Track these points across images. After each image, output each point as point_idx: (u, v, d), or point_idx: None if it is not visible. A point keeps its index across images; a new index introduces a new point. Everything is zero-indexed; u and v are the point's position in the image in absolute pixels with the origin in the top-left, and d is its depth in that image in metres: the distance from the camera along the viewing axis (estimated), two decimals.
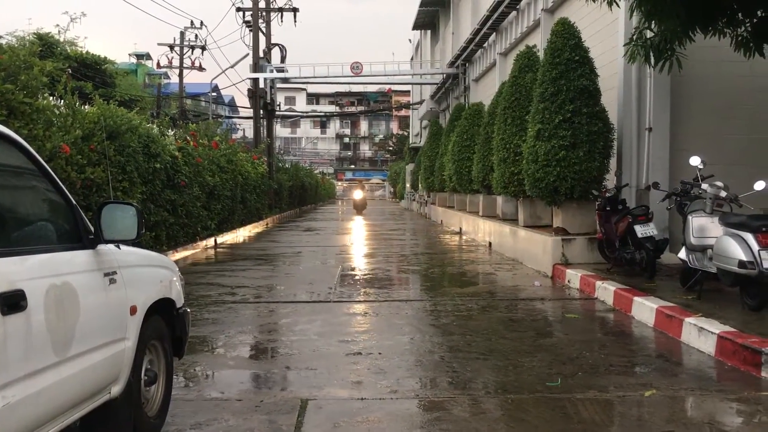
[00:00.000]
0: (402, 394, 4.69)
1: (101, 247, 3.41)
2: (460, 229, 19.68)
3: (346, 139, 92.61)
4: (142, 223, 3.55)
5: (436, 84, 33.21)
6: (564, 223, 10.51)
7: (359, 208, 35.45)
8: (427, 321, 7.21)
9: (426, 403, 4.52)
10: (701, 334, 5.85)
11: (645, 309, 7.01)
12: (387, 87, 70.18)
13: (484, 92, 23.25)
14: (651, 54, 7.74)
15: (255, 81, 28.59)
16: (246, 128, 55.70)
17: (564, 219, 10.52)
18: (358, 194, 36.97)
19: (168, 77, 46.72)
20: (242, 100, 47.59)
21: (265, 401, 4.51)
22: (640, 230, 8.68)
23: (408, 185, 41.97)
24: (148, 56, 53.11)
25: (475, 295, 8.89)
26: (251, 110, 30.30)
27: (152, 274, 3.96)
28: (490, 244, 14.98)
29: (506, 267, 11.67)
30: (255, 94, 28.51)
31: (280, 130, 74.55)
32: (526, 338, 6.33)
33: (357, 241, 18.16)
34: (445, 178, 21.16)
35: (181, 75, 39.85)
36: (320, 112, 79.39)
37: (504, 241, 13.62)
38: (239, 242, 17.53)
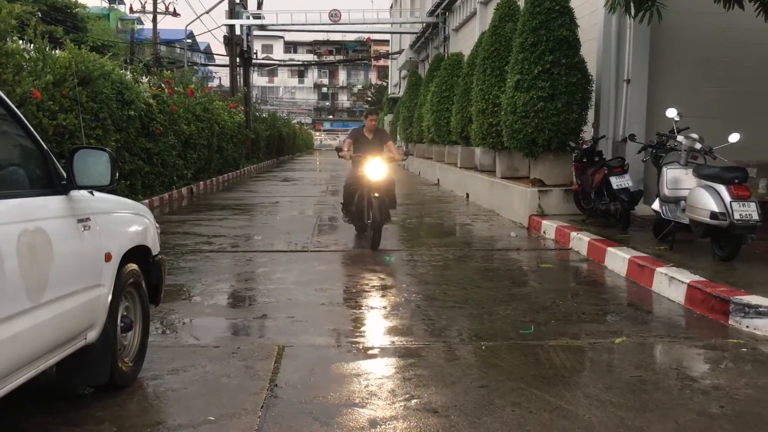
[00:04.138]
0: (377, 341, 4.75)
1: (74, 193, 3.37)
2: (438, 180, 19.70)
3: (324, 89, 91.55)
4: (116, 169, 3.50)
5: (416, 33, 32.80)
6: (541, 175, 10.56)
7: (382, 215, 8.38)
8: (403, 270, 7.26)
9: (401, 350, 4.58)
10: (672, 284, 5.97)
11: (618, 259, 7.12)
12: (366, 36, 69.16)
13: (464, 42, 23.02)
14: (631, 4, 7.69)
15: (231, 28, 28.01)
16: (222, 77, 54.77)
17: (541, 170, 10.56)
18: (373, 170, 8.51)
19: (141, 23, 45.69)
20: (218, 48, 46.79)
21: (242, 348, 4.55)
22: (616, 182, 8.75)
23: None
24: (120, 0, 51.75)
25: (451, 245, 8.96)
26: (227, 58, 29.77)
27: (127, 221, 3.94)
28: (467, 195, 15.04)
29: (483, 218, 11.74)
30: (231, 41, 27.97)
31: (257, 79, 73.43)
32: (501, 287, 6.42)
33: (334, 191, 18.11)
34: (424, 130, 21.08)
35: (154, 20, 38.94)
36: (298, 61, 78.28)
37: (481, 192, 13.67)
38: (216, 192, 17.42)
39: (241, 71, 30.08)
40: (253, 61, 34.87)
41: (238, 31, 28.29)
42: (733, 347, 4.65)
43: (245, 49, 29.23)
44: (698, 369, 4.36)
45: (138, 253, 3.94)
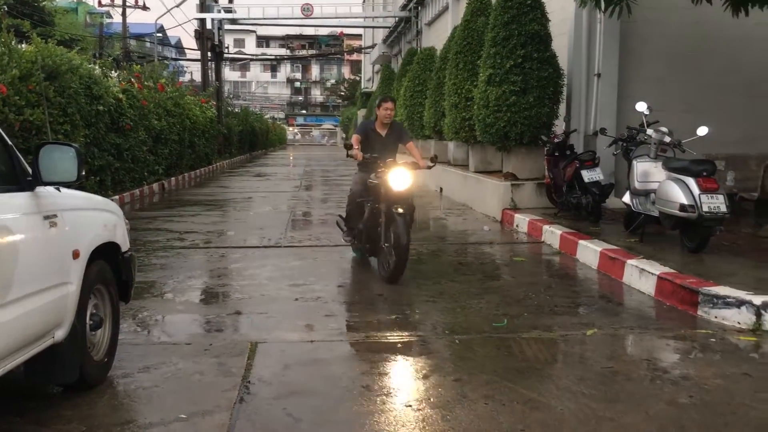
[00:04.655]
0: (351, 336, 4.75)
1: (40, 189, 3.31)
2: None
3: (297, 84, 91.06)
4: (83, 164, 3.44)
5: (389, 28, 32.76)
6: (514, 169, 10.61)
7: (408, 236, 6.40)
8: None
9: (374, 345, 4.58)
10: (642, 276, 6.04)
11: (589, 252, 7.18)
12: (339, 30, 68.83)
13: (437, 37, 23.03)
14: None
15: (202, 21, 27.75)
16: (194, 71, 54.24)
17: (514, 164, 10.61)
18: (397, 179, 6.53)
19: (110, 17, 45.04)
20: (189, 42, 46.19)
21: (215, 344, 4.51)
22: (587, 175, 8.83)
23: None
24: None
25: (425, 239, 8.96)
26: (199, 52, 29.47)
27: (95, 217, 3.88)
28: (441, 189, 15.07)
29: (456, 212, 11.77)
30: (202, 35, 27.70)
31: (229, 74, 72.85)
32: (475, 281, 6.44)
33: (308, 186, 18.06)
34: None
35: (124, 14, 38.41)
36: (270, 55, 77.70)
37: (454, 186, 13.71)
38: (188, 187, 17.26)
39: (213, 66, 29.84)
40: (225, 55, 34.57)
41: (209, 25, 28.05)
42: (701, 338, 4.72)
43: (217, 43, 28.99)
44: (668, 359, 4.42)
45: (107, 250, 3.88)
